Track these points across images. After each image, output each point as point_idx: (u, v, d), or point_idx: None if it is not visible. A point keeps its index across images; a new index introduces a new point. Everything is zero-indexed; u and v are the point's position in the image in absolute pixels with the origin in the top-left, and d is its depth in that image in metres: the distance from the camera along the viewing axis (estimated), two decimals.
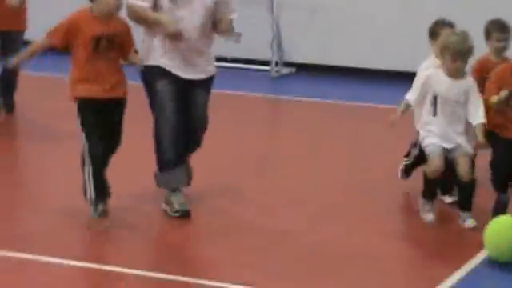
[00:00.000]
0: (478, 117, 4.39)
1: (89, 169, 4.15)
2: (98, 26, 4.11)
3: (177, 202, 4.42)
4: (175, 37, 4.51)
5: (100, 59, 4.07)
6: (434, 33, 4.82)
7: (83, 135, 4.11)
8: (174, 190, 4.49)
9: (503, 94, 4.31)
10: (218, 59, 5.50)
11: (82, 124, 4.12)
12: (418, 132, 4.60)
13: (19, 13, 6.50)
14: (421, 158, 4.67)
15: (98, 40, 4.05)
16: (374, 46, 8.89)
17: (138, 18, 4.64)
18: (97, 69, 4.11)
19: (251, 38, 7.75)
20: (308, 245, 4.14)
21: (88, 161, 4.15)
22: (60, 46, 4.16)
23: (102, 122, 4.17)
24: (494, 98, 4.41)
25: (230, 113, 6.54)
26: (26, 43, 5.60)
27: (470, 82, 4.53)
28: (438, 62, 4.55)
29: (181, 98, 4.38)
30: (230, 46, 6.72)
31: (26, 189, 5.61)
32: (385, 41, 8.72)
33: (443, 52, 4.36)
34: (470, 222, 4.50)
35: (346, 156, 6.18)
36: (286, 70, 8.77)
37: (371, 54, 8.73)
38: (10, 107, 6.84)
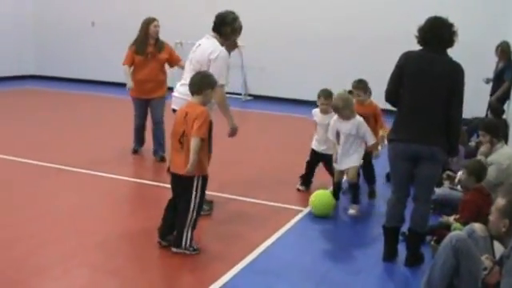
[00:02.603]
0: (370, 140, 6.06)
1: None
2: None
3: None
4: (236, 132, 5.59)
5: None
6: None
7: None
8: None
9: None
10: None
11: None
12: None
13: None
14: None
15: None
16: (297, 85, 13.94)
17: (225, 103, 5.46)
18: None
19: (233, 82, 13.85)
20: None
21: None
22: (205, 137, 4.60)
23: None
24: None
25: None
26: None
27: (357, 120, 6.00)
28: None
29: None
30: None
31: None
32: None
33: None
34: (352, 211, 6.07)
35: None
36: (249, 98, 14.25)
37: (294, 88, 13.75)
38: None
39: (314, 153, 6.75)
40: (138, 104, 8.07)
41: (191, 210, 4.69)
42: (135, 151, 8.30)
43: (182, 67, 6.66)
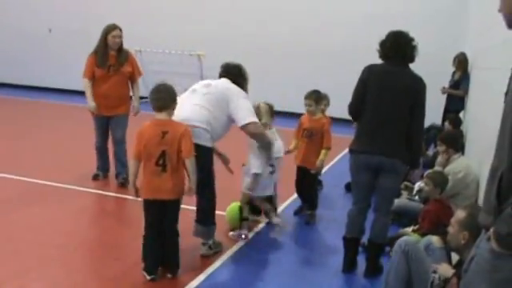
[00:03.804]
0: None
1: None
2: None
3: None
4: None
5: None
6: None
7: None
8: None
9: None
10: None
11: None
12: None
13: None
14: None
15: None
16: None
17: (264, 136, 5.27)
18: None
19: None
20: None
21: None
22: None
23: None
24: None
25: None
26: None
27: None
28: None
29: None
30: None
31: None
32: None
33: None
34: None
35: None
36: None
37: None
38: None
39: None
40: (98, 121, 7.25)
41: (178, 232, 4.52)
42: (96, 177, 7.43)
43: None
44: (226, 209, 5.79)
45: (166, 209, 4.40)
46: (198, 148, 4.60)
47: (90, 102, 7.00)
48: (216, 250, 5.11)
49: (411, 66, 4.72)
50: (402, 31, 4.71)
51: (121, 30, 7.06)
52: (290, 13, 14.25)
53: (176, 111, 4.52)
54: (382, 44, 4.68)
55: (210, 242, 5.07)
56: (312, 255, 5.44)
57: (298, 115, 9.91)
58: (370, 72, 4.71)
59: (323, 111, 6.64)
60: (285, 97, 12.57)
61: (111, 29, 6.98)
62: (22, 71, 16.93)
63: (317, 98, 6.17)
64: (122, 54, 7.10)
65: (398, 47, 4.61)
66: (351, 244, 4.94)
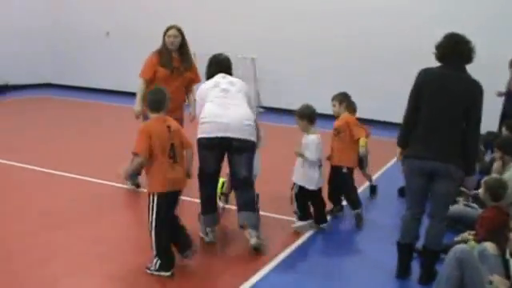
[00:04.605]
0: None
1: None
2: None
3: None
4: None
5: None
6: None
7: None
8: None
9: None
10: None
11: None
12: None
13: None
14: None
15: None
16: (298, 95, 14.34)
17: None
18: None
19: None
20: None
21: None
22: None
23: None
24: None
25: None
26: None
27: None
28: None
29: None
30: None
31: None
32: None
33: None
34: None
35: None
36: (261, 110, 13.97)
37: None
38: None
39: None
40: None
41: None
42: (138, 186, 6.96)
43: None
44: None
45: (177, 198, 4.65)
46: (254, 145, 5.18)
47: (138, 106, 6.63)
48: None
49: (467, 69, 4.66)
50: (459, 33, 4.67)
51: (179, 29, 6.75)
52: (342, 15, 14.16)
53: (221, 111, 5.11)
54: (439, 46, 4.64)
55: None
56: (365, 260, 5.40)
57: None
58: (425, 75, 4.67)
59: (350, 111, 6.64)
60: None
61: (167, 29, 6.75)
62: (80, 73, 17.31)
63: (341, 99, 6.47)
64: (187, 58, 6.82)
65: (454, 48, 4.57)
66: (405, 250, 4.89)
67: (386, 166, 8.92)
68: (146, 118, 6.00)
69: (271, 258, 5.11)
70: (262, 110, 14.52)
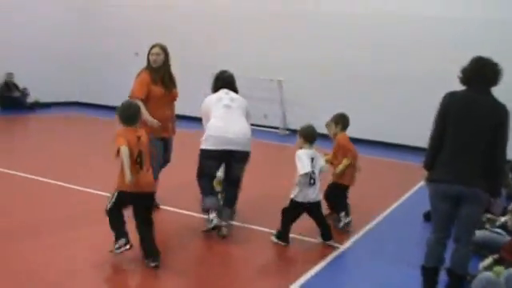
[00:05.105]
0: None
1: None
2: None
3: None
4: None
5: None
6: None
7: None
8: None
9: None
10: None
11: None
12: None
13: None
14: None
15: None
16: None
17: None
18: None
19: (271, 116, 13.98)
20: None
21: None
22: None
23: None
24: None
25: (258, 150, 7.80)
26: None
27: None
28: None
29: None
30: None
31: None
32: None
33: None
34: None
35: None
36: (287, 132, 14.36)
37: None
38: None
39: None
40: (159, 146, 6.68)
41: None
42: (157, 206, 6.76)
43: None
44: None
45: (148, 200, 5.18)
46: (248, 154, 6.14)
47: (151, 118, 6.44)
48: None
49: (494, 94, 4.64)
50: (484, 57, 4.66)
51: (163, 47, 6.78)
52: (368, 39, 14.24)
53: (225, 127, 5.97)
54: (464, 70, 4.65)
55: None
56: (387, 285, 5.34)
57: (376, 143, 9.60)
58: (450, 99, 4.67)
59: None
60: (362, 121, 12.40)
61: (152, 47, 6.80)
62: (108, 92, 17.42)
63: (336, 120, 6.82)
64: (171, 76, 6.82)
65: (479, 71, 4.57)
66: (430, 273, 4.83)
67: (412, 189, 8.89)
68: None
69: (292, 280, 5.07)
70: (287, 132, 14.59)
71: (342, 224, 6.55)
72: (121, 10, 17.43)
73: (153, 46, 6.79)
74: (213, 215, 5.93)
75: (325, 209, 6.37)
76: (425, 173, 4.83)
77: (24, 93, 16.23)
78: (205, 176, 6.15)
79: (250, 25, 15.61)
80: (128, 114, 5.13)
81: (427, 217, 6.97)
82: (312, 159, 5.85)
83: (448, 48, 12.98)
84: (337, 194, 6.72)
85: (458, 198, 4.58)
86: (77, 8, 17.58)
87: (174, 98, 6.86)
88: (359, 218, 6.83)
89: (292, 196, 5.89)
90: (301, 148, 5.97)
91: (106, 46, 17.51)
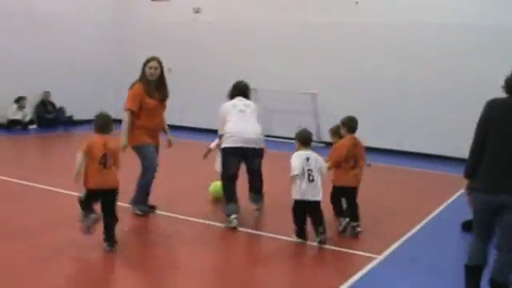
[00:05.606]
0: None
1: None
2: None
3: None
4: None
5: None
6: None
7: None
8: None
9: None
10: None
11: None
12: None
13: None
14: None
15: None
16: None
17: None
18: None
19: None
20: None
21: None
22: None
23: None
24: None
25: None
26: None
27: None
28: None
29: None
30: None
31: None
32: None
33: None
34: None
35: None
36: (321, 145, 13.96)
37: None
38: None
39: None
40: (153, 151, 7.12)
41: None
42: (152, 208, 7.22)
43: None
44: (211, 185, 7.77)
45: (113, 196, 5.78)
46: (263, 150, 7.01)
47: (125, 141, 6.76)
48: None
49: None
50: None
51: (159, 61, 7.15)
52: (405, 51, 14.23)
53: (242, 128, 6.85)
54: (507, 79, 4.60)
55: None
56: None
57: (409, 153, 9.53)
58: (491, 106, 4.62)
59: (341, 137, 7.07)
60: (400, 132, 12.27)
61: (148, 60, 7.10)
62: None
63: (334, 130, 7.29)
64: (165, 88, 7.20)
65: None
66: (473, 272, 4.76)
67: (450, 199, 8.80)
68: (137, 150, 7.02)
69: None
70: (322, 145, 14.44)
71: (340, 227, 6.64)
72: (154, 27, 17.72)
73: (150, 60, 7.11)
74: (234, 216, 6.64)
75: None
76: (465, 182, 4.77)
77: (60, 110, 16.63)
78: (229, 179, 6.84)
79: (281, 38, 15.74)
80: (99, 124, 5.83)
81: (465, 227, 6.85)
82: (308, 159, 6.14)
83: (496, 57, 12.80)
84: (335, 196, 6.89)
85: (500, 207, 4.51)
86: (112, 25, 17.97)
87: (164, 108, 7.30)
88: (394, 229, 6.81)
89: (292, 196, 6.14)
90: (297, 151, 6.32)
91: (141, 62, 17.67)
